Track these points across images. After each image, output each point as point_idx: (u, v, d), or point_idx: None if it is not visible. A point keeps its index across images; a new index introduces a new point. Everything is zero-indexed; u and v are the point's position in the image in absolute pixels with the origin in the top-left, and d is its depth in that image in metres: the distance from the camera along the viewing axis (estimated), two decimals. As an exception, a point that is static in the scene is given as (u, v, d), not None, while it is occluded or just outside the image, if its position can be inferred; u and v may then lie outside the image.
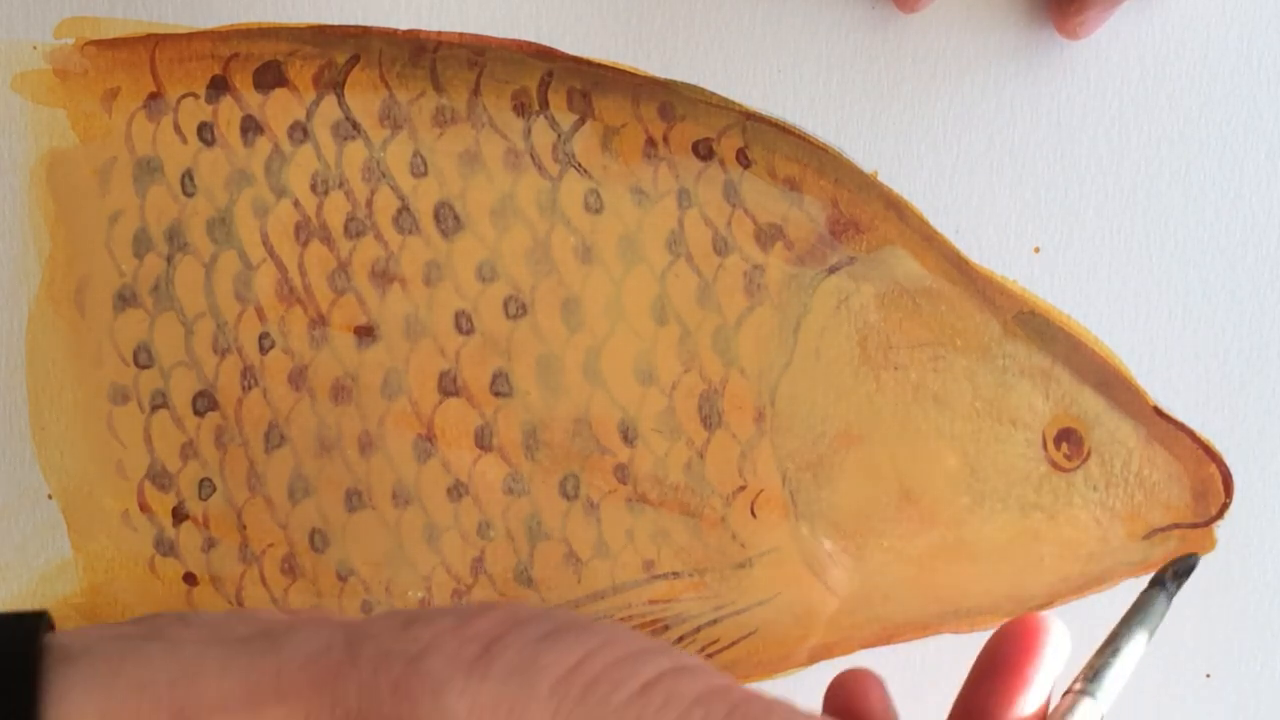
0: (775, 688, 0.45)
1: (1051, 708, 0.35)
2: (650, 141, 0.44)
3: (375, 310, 0.44)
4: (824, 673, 0.45)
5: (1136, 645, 0.36)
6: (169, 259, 0.44)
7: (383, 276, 0.44)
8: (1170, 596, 0.38)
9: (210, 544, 0.44)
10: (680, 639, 0.45)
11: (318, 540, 0.44)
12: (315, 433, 0.44)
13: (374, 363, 0.44)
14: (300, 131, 0.44)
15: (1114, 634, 0.37)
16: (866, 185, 0.45)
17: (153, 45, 0.44)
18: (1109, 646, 0.36)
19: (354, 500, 0.44)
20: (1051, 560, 0.45)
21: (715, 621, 0.45)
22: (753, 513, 0.44)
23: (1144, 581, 0.45)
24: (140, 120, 0.44)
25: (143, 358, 0.44)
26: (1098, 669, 0.35)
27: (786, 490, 0.44)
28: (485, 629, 0.30)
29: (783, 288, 0.44)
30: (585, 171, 0.44)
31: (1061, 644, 0.35)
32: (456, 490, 0.44)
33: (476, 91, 0.44)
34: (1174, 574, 0.39)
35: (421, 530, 0.44)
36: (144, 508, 0.44)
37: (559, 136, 0.44)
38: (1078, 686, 0.35)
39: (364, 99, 0.44)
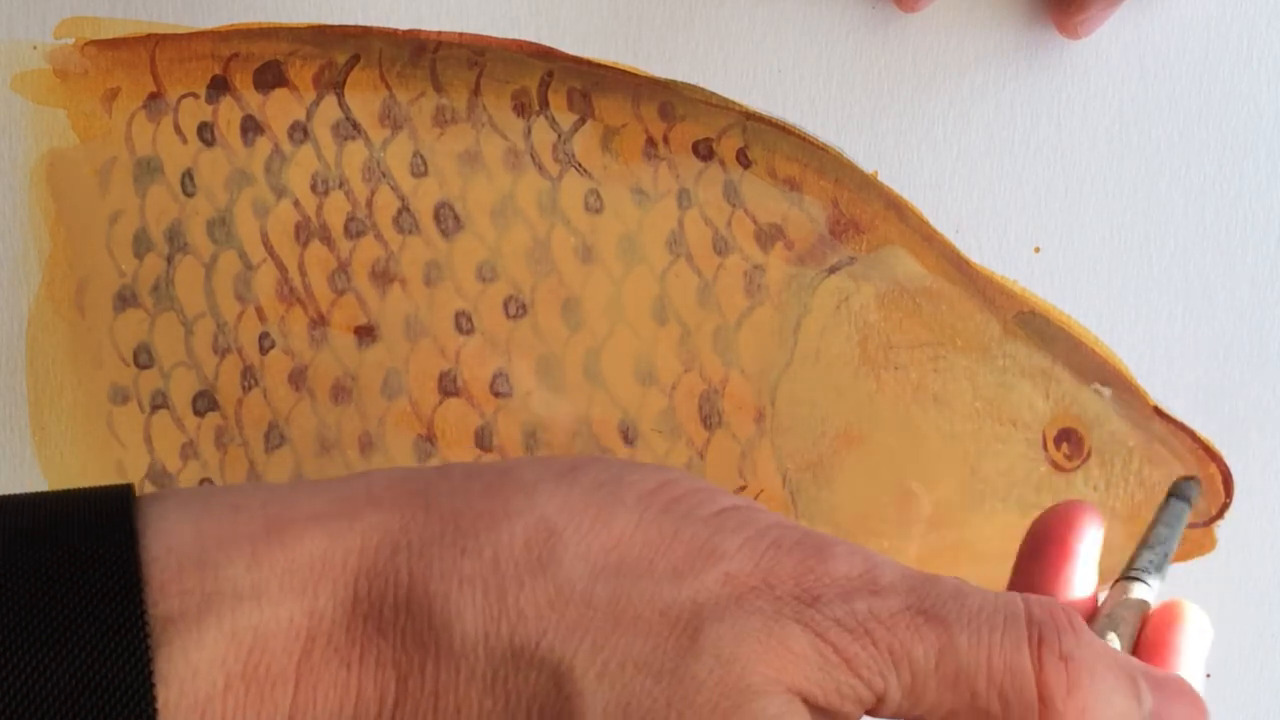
0: (775, 688, 0.45)
1: (1101, 599, 0.36)
2: (650, 141, 0.44)
3: (375, 310, 0.44)
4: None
5: (1169, 548, 0.37)
6: (169, 259, 0.44)
7: (383, 276, 0.44)
8: (1190, 507, 0.39)
9: (210, 544, 0.44)
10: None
11: (318, 540, 0.44)
12: (315, 433, 0.44)
13: (374, 363, 0.44)
14: (300, 131, 0.44)
15: (1152, 534, 0.38)
16: (866, 185, 0.45)
17: (153, 45, 0.44)
18: (1149, 542, 0.37)
19: (354, 500, 0.44)
20: (1052, 560, 0.45)
21: (715, 621, 0.45)
22: (753, 513, 0.44)
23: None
24: (140, 120, 0.44)
25: (143, 358, 0.44)
26: (1147, 561, 0.37)
27: (787, 490, 0.44)
28: (570, 457, 0.31)
29: (783, 288, 0.44)
30: (585, 171, 0.44)
31: (1098, 523, 0.36)
32: (456, 490, 0.44)
33: (476, 91, 0.44)
34: (1196, 488, 0.40)
35: (421, 530, 0.44)
36: (144, 508, 0.44)
37: (559, 136, 0.44)
38: (1133, 574, 0.36)
39: (364, 99, 0.44)
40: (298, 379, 0.44)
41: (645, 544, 0.29)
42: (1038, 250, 0.45)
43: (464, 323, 0.44)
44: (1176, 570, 0.45)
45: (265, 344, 0.44)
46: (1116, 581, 0.36)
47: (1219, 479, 0.45)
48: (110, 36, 0.44)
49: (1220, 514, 0.45)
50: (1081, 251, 0.45)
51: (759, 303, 0.44)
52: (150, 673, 0.26)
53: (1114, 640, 0.34)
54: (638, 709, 0.27)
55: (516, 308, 0.44)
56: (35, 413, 0.44)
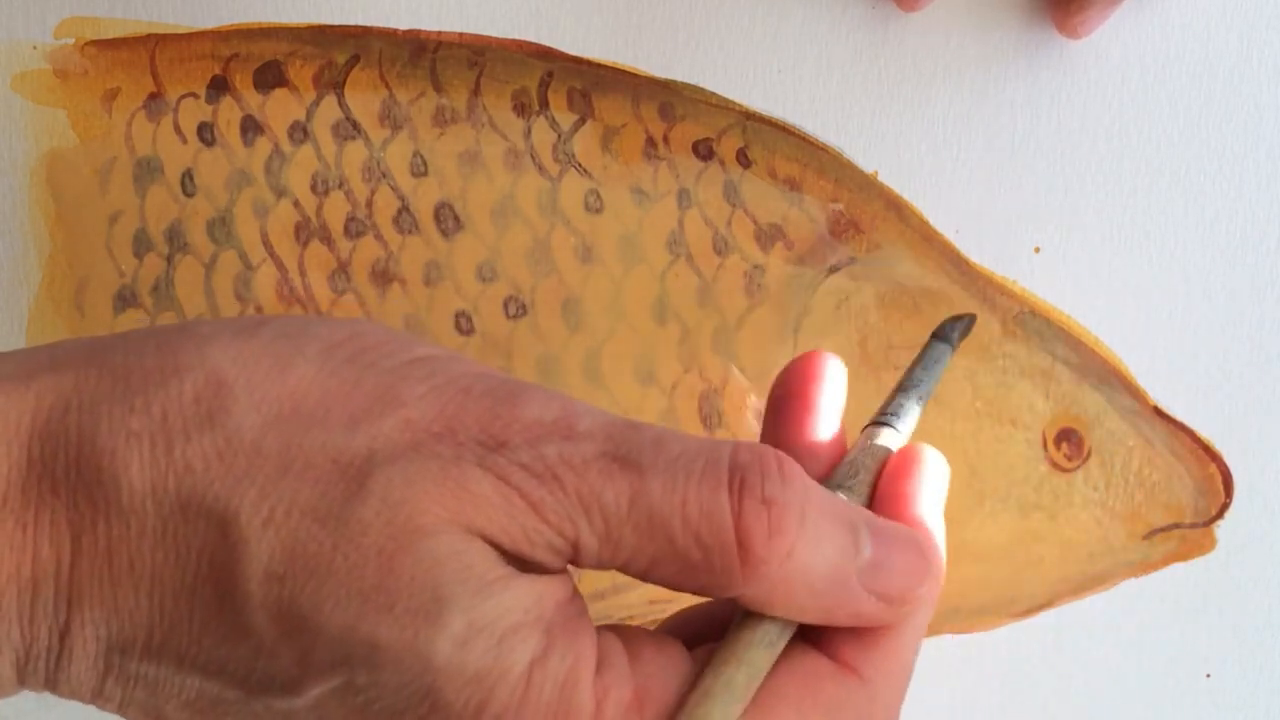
0: (775, 688, 0.45)
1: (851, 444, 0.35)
2: (650, 141, 0.44)
3: (375, 310, 0.44)
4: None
5: (925, 390, 0.36)
6: (169, 259, 0.44)
7: (383, 276, 0.44)
8: (953, 349, 0.38)
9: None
10: (680, 639, 0.45)
11: (318, 540, 0.44)
12: (315, 433, 0.44)
13: (374, 363, 0.44)
14: (300, 131, 0.44)
15: (906, 379, 0.36)
16: (866, 185, 0.45)
17: (153, 45, 0.44)
18: (901, 388, 0.36)
19: (354, 500, 0.44)
20: (1051, 560, 0.45)
21: (715, 621, 0.45)
22: (753, 513, 0.44)
23: (1144, 582, 0.45)
24: (140, 120, 0.44)
25: (143, 358, 0.44)
26: (896, 405, 0.35)
27: (787, 490, 0.44)
28: (259, 315, 0.31)
29: (783, 288, 0.44)
30: (585, 171, 0.44)
31: (839, 371, 0.35)
32: (456, 490, 0.44)
33: (476, 91, 0.44)
34: (960, 331, 0.38)
35: (421, 530, 0.44)
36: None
37: (559, 136, 0.44)
38: (880, 420, 0.35)
39: (364, 99, 0.44)
40: (298, 379, 0.44)
41: (324, 393, 0.29)
42: (1038, 250, 0.45)
43: (464, 323, 0.44)
44: (1176, 570, 0.45)
45: (265, 344, 0.44)
46: (866, 426, 0.35)
47: (1219, 479, 0.45)
48: (110, 36, 0.44)
49: (1220, 514, 0.45)
50: (1081, 251, 0.45)
51: (759, 303, 0.44)
52: None
53: (849, 493, 0.32)
54: (303, 554, 0.27)
55: (516, 308, 0.44)
56: (35, 413, 0.44)
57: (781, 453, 0.30)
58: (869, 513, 0.31)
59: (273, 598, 0.27)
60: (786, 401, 0.34)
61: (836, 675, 0.30)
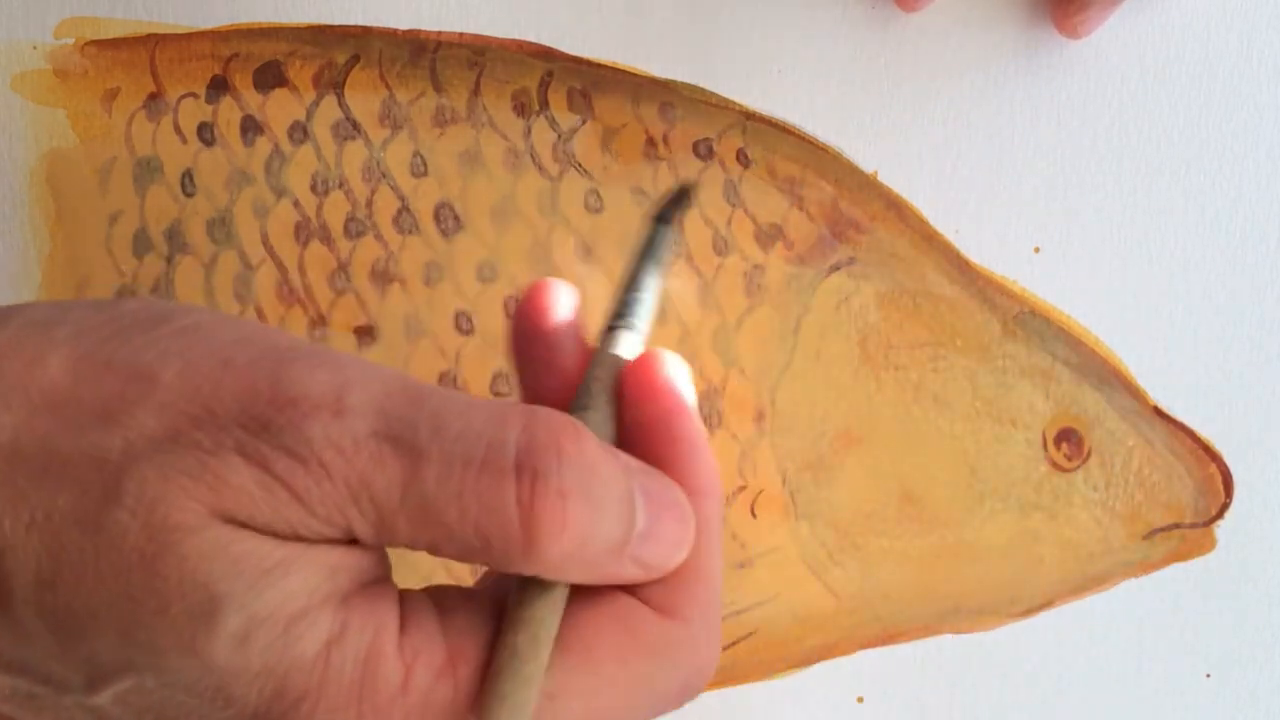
0: (776, 688, 0.45)
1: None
2: (650, 141, 0.44)
3: (375, 310, 0.44)
4: (824, 673, 0.45)
5: (654, 279, 0.33)
6: (169, 259, 0.44)
7: (383, 276, 0.44)
8: (673, 228, 0.35)
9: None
10: (680, 639, 0.45)
11: (318, 540, 0.44)
12: (315, 433, 0.44)
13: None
14: (300, 131, 0.44)
15: (631, 274, 0.34)
16: (866, 185, 0.45)
17: (153, 45, 0.44)
18: (630, 285, 0.33)
19: (354, 500, 0.44)
20: (1051, 560, 0.45)
21: (715, 621, 0.45)
22: (753, 513, 0.44)
23: (1144, 582, 0.45)
24: (140, 120, 0.44)
25: (143, 358, 0.44)
26: (626, 304, 0.33)
27: (787, 490, 0.44)
28: (12, 305, 0.29)
29: (783, 288, 0.44)
30: (585, 171, 0.44)
31: (570, 295, 0.33)
32: (456, 490, 0.44)
33: (476, 91, 0.44)
34: (674, 205, 0.36)
35: (421, 530, 0.44)
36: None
37: (559, 136, 0.44)
38: (614, 324, 0.33)
39: (364, 99, 0.44)
40: (298, 379, 0.44)
41: (76, 380, 0.27)
42: (1038, 250, 0.45)
43: (464, 323, 0.44)
44: (1176, 570, 0.45)
45: (265, 344, 0.44)
46: (602, 332, 0.33)
47: (1219, 479, 0.45)
48: (110, 36, 0.44)
49: (1220, 514, 0.45)
50: (1081, 251, 0.45)
51: (759, 303, 0.44)
52: None
53: (592, 414, 0.31)
54: (69, 561, 0.26)
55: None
56: (35, 413, 0.44)
57: (575, 423, 0.28)
58: (642, 473, 0.30)
59: (47, 606, 0.26)
60: (530, 346, 0.32)
61: (655, 619, 0.29)
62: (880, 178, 0.45)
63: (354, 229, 0.44)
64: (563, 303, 0.32)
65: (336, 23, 0.44)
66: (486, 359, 0.44)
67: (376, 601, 0.28)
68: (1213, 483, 0.45)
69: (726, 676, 0.45)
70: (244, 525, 0.27)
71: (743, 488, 0.44)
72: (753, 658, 0.45)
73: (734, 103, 0.45)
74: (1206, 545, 0.45)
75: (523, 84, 0.44)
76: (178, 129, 0.44)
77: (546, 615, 0.29)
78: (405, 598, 0.29)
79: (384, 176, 0.44)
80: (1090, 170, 0.45)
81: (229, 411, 0.27)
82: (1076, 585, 0.45)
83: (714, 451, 0.43)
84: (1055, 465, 0.44)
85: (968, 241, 0.45)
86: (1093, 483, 0.45)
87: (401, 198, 0.44)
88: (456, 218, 0.44)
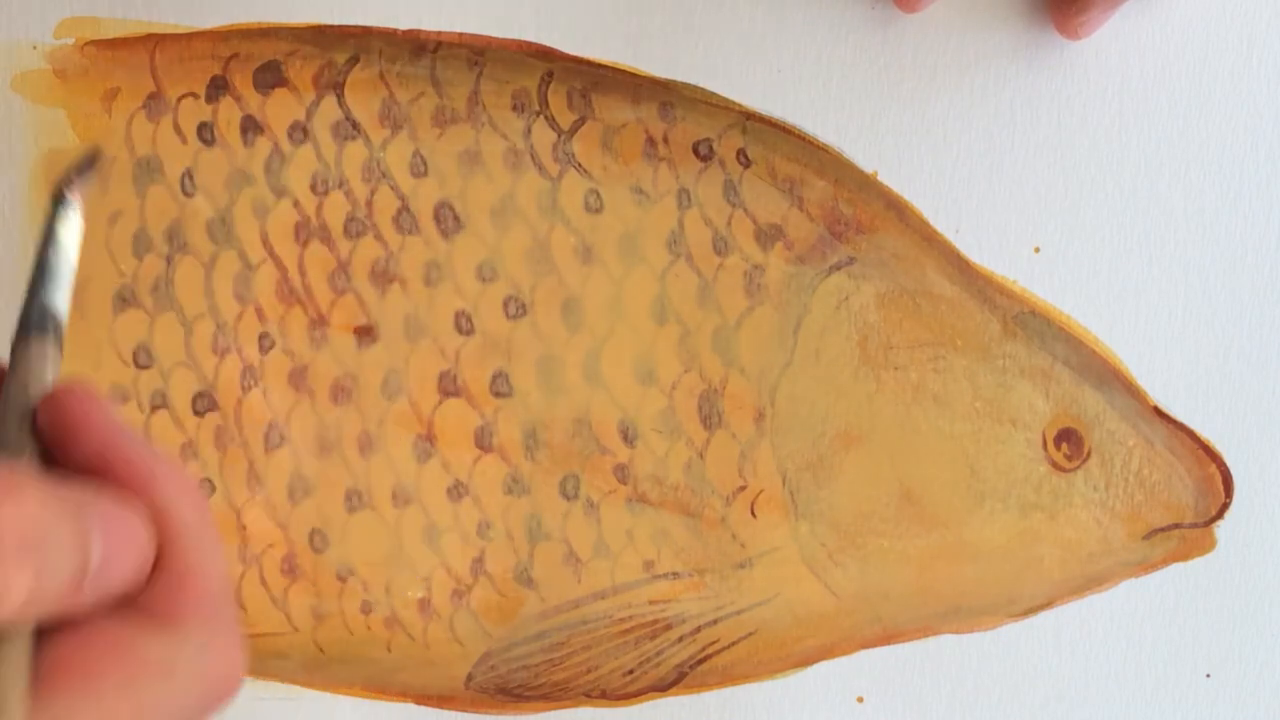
0: (776, 687, 0.45)
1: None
2: (650, 141, 0.44)
3: (375, 310, 0.44)
4: (824, 673, 0.45)
5: (67, 271, 0.30)
6: (169, 259, 0.44)
7: (383, 276, 0.44)
8: (76, 205, 0.31)
9: (210, 544, 0.44)
10: (680, 639, 0.45)
11: (317, 541, 0.44)
12: (315, 433, 0.44)
13: (374, 363, 0.44)
14: (300, 131, 0.44)
15: (36, 271, 0.30)
16: (866, 185, 0.45)
17: (153, 45, 0.44)
18: (34, 285, 0.30)
19: (354, 500, 0.44)
20: (1051, 560, 0.45)
21: (715, 621, 0.45)
22: (753, 513, 0.44)
23: (1144, 582, 0.45)
24: (140, 120, 0.44)
25: (142, 358, 0.44)
26: (34, 310, 0.30)
27: (786, 490, 0.44)
28: None
29: (783, 288, 0.44)
30: (585, 171, 0.44)
31: None
32: (456, 490, 0.44)
33: (476, 91, 0.44)
34: (73, 180, 0.32)
35: (421, 531, 0.44)
36: (144, 508, 0.44)
37: (559, 136, 0.44)
38: (25, 334, 0.29)
39: (364, 99, 0.44)
40: (297, 379, 0.44)
41: None
42: (1038, 250, 0.45)
43: (464, 323, 0.44)
44: (1176, 570, 0.45)
45: (265, 344, 0.44)
46: (13, 342, 0.30)
47: (1219, 479, 0.45)
48: (110, 36, 0.44)
49: (1220, 514, 0.45)
50: (1081, 251, 0.45)
51: (759, 303, 0.44)
52: None
53: (11, 449, 0.28)
54: None
55: (516, 308, 0.44)
56: (35, 413, 0.44)
57: (10, 477, 0.26)
58: (95, 504, 0.28)
59: None
60: None
61: (156, 636, 0.28)
62: (880, 178, 0.45)
63: (354, 229, 0.44)
64: None
65: (336, 23, 0.44)
66: (486, 359, 0.44)
67: None
68: (1213, 483, 0.45)
69: (726, 676, 0.45)
70: None
71: (743, 488, 0.44)
72: (753, 658, 0.45)
73: (734, 103, 0.45)
74: (1206, 545, 0.45)
75: (522, 84, 0.44)
76: (177, 129, 0.44)
77: (9, 673, 0.27)
78: None
79: (384, 176, 0.44)
80: (1090, 170, 0.45)
81: None
82: (1076, 585, 0.45)
83: (714, 451, 0.43)
84: (1055, 465, 0.44)
85: (968, 241, 0.45)
86: (1093, 483, 0.45)
87: (401, 198, 0.44)
88: (456, 218, 0.44)
